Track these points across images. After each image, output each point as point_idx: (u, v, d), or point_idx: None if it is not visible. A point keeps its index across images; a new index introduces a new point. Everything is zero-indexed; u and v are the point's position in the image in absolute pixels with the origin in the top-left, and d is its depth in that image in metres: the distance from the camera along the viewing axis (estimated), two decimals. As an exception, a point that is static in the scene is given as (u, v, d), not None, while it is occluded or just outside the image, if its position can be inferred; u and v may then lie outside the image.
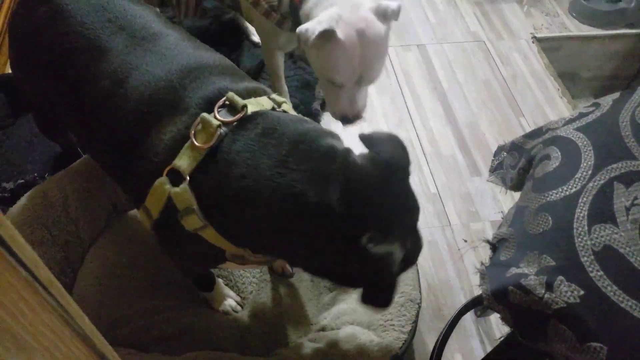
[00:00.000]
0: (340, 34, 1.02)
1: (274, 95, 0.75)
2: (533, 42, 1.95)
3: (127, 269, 1.10)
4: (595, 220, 0.51)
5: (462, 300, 1.30)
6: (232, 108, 0.68)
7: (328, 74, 1.08)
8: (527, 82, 1.81)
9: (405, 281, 1.09)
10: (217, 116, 0.66)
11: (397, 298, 1.07)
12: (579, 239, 0.51)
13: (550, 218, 0.54)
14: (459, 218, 1.44)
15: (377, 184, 0.64)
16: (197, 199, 0.65)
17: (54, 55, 0.82)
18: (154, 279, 1.10)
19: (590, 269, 0.49)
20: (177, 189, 0.65)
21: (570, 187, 0.54)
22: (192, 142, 0.65)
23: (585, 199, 0.52)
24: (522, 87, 1.79)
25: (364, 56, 1.06)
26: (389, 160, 0.66)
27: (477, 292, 1.31)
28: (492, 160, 0.71)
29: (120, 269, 1.09)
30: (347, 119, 1.16)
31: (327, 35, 1.01)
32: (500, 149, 0.70)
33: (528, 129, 1.66)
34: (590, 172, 0.53)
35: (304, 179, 0.62)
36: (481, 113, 1.70)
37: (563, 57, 2.01)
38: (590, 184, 0.53)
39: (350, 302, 1.10)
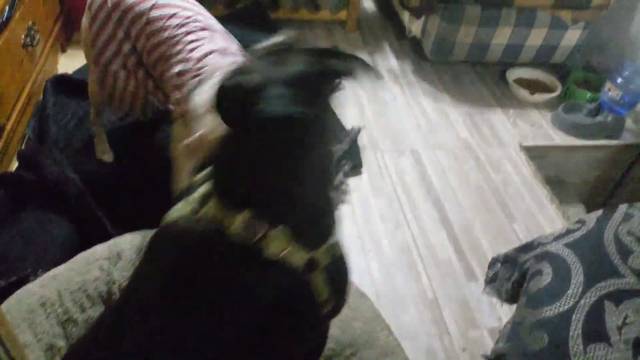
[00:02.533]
0: None
1: None
2: (520, 151, 2.05)
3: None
4: (590, 340, 0.51)
5: (464, 415, 1.23)
6: None
7: None
8: (517, 188, 1.88)
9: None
10: None
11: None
12: (575, 359, 0.51)
13: (545, 335, 0.55)
14: (456, 325, 1.41)
15: None
16: None
17: None
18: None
19: (589, 392, 0.49)
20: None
21: (562, 304, 0.55)
22: None
23: (578, 316, 0.53)
24: (513, 193, 1.85)
25: None
26: None
27: (479, 406, 1.25)
28: (487, 271, 0.73)
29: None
30: None
31: None
32: (494, 260, 0.72)
33: (521, 235, 1.69)
34: (580, 289, 0.55)
35: None
36: (475, 218, 1.74)
37: (550, 165, 2.11)
38: (582, 301, 0.54)
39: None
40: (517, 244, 1.65)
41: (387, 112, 2.17)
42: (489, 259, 1.59)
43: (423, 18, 2.33)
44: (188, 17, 1.24)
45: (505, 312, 1.45)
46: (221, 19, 2.42)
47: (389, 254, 1.58)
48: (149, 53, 1.26)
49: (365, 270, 1.52)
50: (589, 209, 2.05)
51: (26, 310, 1.09)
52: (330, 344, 1.21)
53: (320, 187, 0.68)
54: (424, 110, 2.22)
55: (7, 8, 1.59)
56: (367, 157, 1.93)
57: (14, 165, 1.59)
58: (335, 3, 2.59)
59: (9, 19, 1.59)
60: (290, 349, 0.70)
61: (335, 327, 1.24)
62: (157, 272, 0.70)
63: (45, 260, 1.34)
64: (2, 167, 1.56)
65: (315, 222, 0.67)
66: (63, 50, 2.23)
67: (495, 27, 2.22)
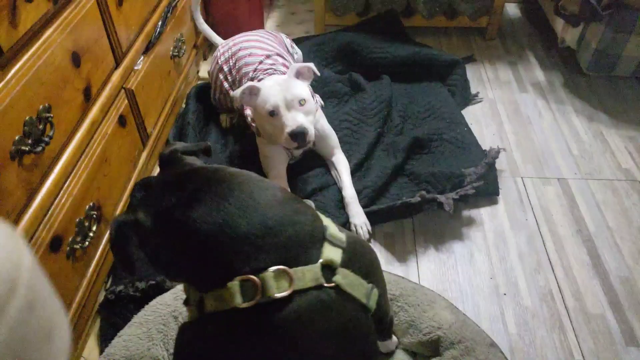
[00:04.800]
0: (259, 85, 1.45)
1: None
2: (703, 188, 1.69)
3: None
4: None
5: None
6: None
7: (262, 110, 1.42)
8: (697, 235, 1.55)
9: None
10: None
11: None
12: None
13: None
14: (611, 399, 1.19)
15: None
16: None
17: None
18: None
19: None
20: None
21: None
22: None
23: None
24: (692, 242, 1.53)
25: (282, 89, 1.40)
26: None
27: None
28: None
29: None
30: (295, 135, 1.34)
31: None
32: None
33: (703, 296, 1.38)
34: None
35: None
36: (638, 268, 1.46)
37: None
38: None
39: None
40: (697, 309, 1.35)
41: (531, 132, 1.94)
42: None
43: (581, 26, 2.04)
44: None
45: (679, 395, 1.18)
46: (354, 27, 2.39)
47: (527, 301, 1.39)
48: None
49: (498, 317, 1.35)
50: None
51: (160, 322, 1.13)
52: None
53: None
54: (575, 131, 1.95)
55: (159, 23, 1.69)
56: (505, 183, 1.74)
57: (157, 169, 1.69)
58: (475, 9, 2.39)
59: (161, 33, 1.69)
60: None
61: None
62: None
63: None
64: (148, 171, 1.66)
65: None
66: (204, 58, 2.36)
67: (678, 37, 1.86)
